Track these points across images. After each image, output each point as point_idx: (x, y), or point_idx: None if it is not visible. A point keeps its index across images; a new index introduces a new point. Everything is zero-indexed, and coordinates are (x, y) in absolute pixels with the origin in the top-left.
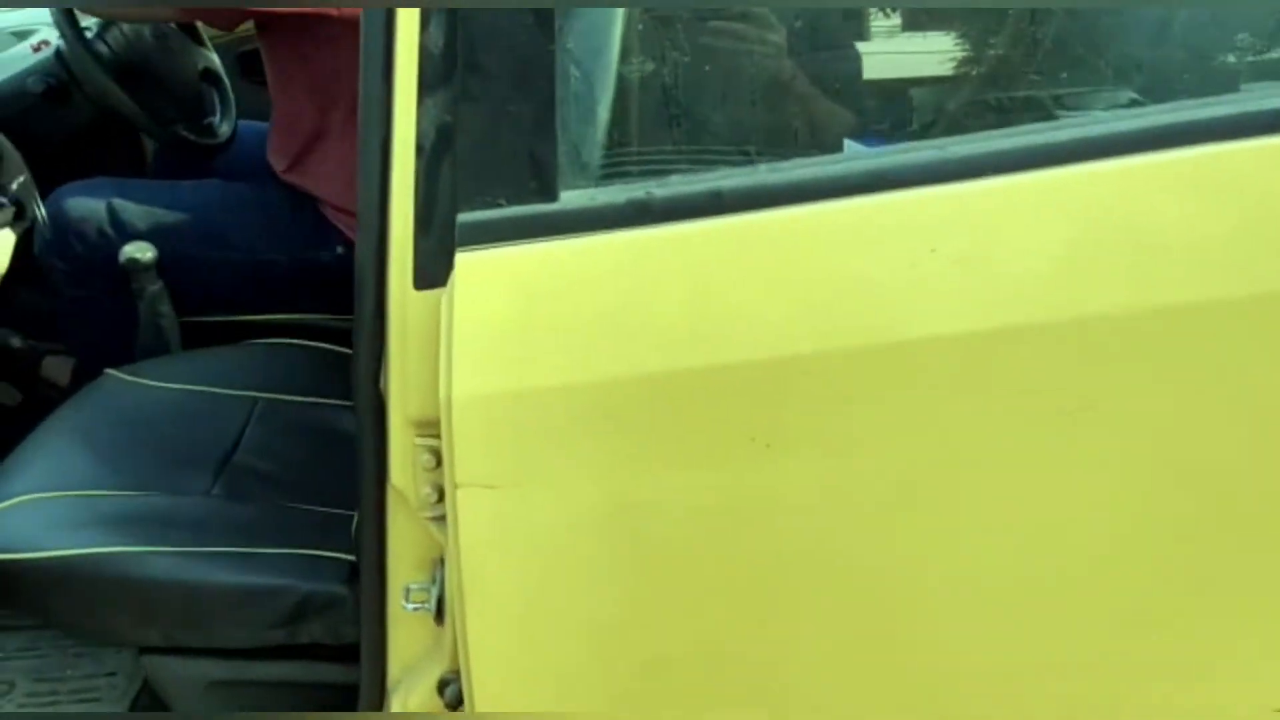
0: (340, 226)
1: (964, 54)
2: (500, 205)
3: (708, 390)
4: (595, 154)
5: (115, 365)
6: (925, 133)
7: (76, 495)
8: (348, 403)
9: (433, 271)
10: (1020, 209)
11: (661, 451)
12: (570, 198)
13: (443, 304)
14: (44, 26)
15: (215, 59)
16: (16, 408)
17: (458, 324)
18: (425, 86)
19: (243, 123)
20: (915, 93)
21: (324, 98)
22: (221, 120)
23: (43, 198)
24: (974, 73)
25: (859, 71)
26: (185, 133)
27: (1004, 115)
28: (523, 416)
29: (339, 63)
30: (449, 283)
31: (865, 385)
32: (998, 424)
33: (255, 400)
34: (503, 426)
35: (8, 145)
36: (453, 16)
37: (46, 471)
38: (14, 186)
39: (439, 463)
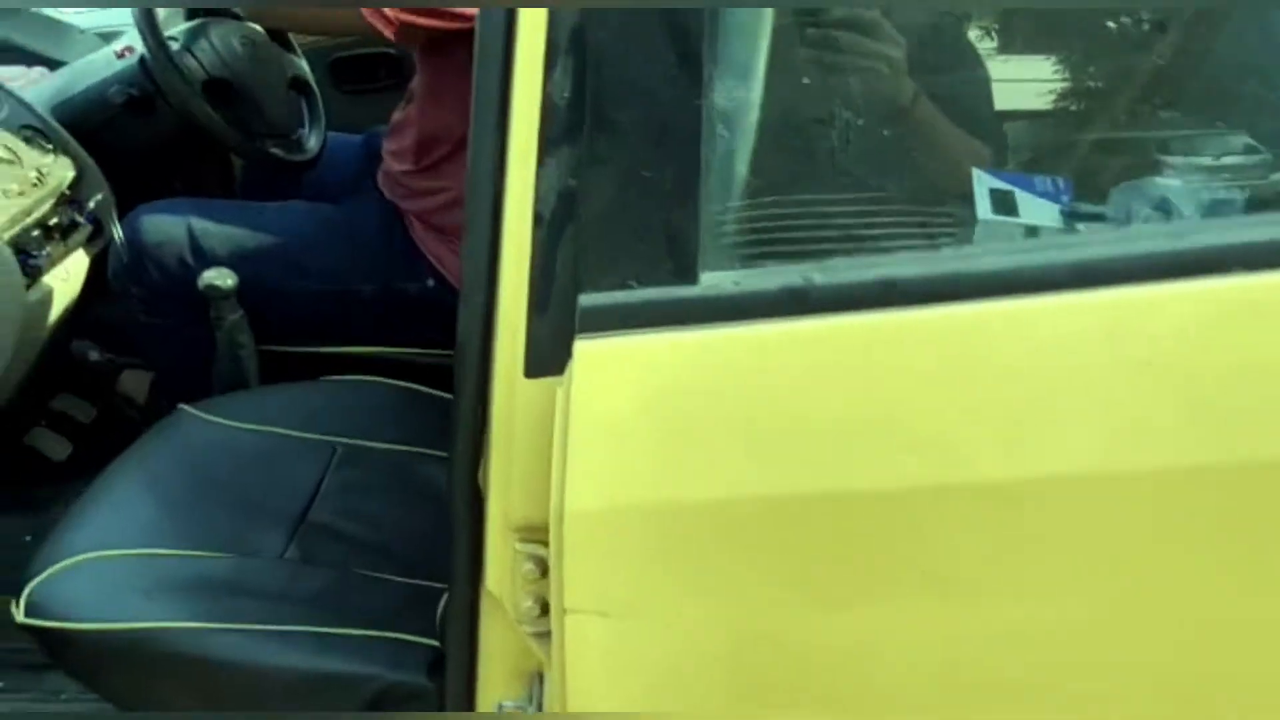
0: (430, 258)
1: (1061, 86)
2: (629, 286)
3: (867, 517)
4: (742, 229)
5: (193, 388)
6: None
7: (140, 555)
8: (435, 451)
9: (547, 358)
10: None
11: (810, 584)
12: (712, 280)
13: (558, 397)
14: (131, 29)
15: (306, 67)
16: (91, 424)
17: (575, 422)
18: (547, 143)
19: (331, 135)
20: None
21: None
22: (310, 133)
23: (119, 213)
24: (1069, 108)
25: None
26: (273, 149)
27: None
28: (646, 535)
29: None
30: (566, 373)
31: (1062, 521)
32: (1214, 573)
33: (334, 447)
34: (621, 546)
35: (88, 161)
36: (581, 61)
37: (111, 526)
38: (91, 204)
39: (544, 573)
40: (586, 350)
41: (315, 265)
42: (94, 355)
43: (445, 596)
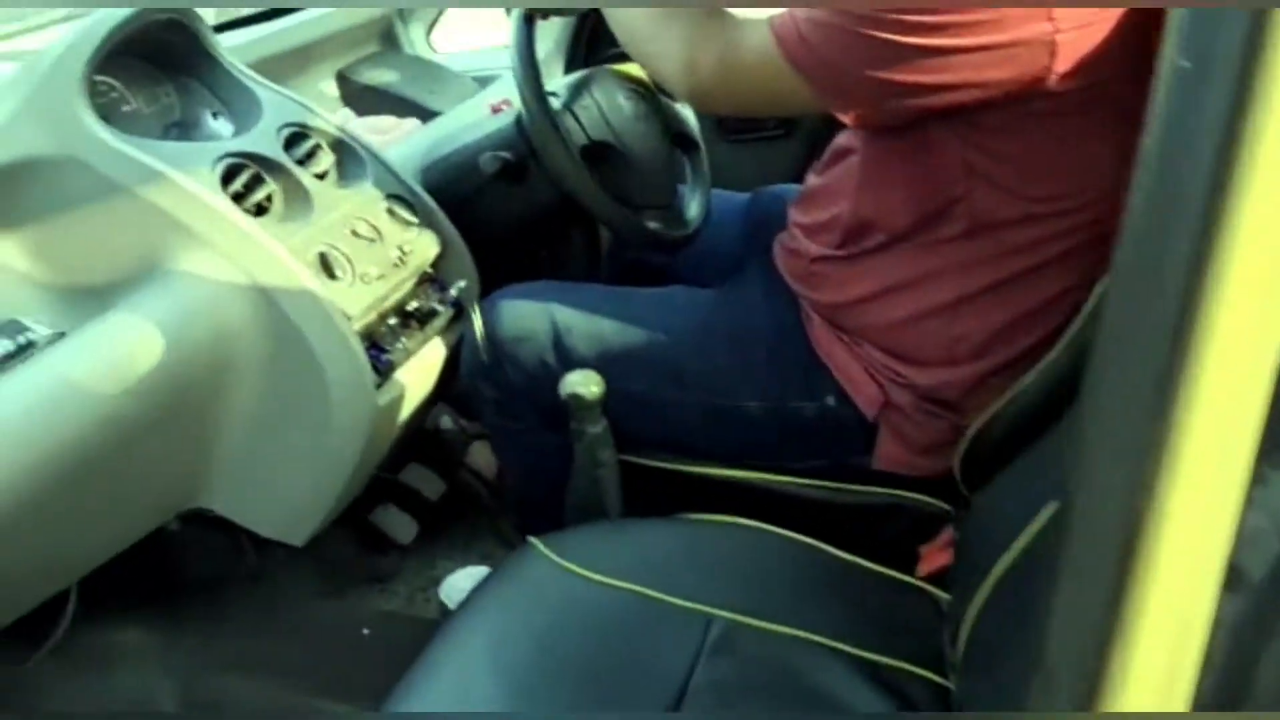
0: (833, 368)
1: None
2: None
3: None
4: None
5: (543, 498)
6: None
7: None
8: (833, 641)
9: None
10: None
11: None
12: None
13: None
14: (506, 72)
15: (693, 120)
16: (438, 500)
17: None
18: None
19: (716, 194)
20: None
21: (940, 195)
22: (691, 200)
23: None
24: None
25: None
26: (651, 224)
27: None
28: None
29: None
30: None
31: None
32: None
33: (709, 621)
34: None
35: (455, 237)
36: None
37: (449, 695)
38: (455, 291)
39: None
40: None
41: (694, 373)
42: (447, 423)
43: None
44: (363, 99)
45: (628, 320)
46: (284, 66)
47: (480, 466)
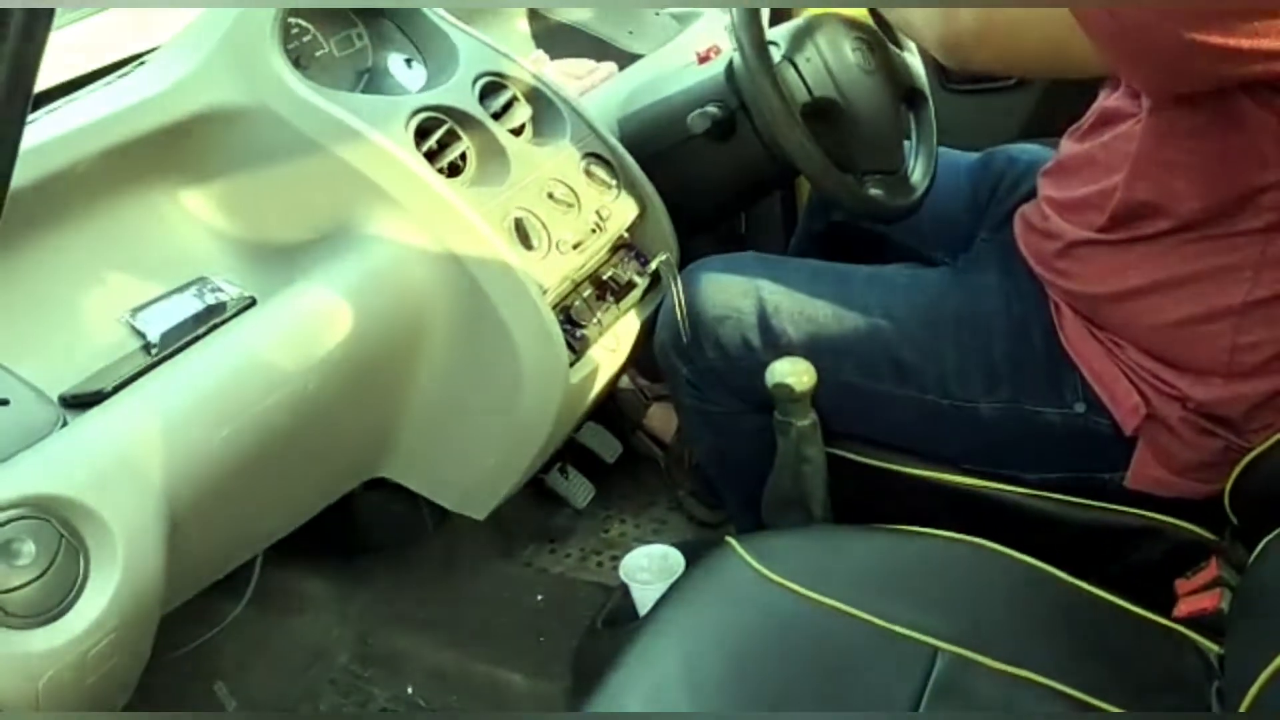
0: (1083, 369)
1: None
2: None
3: None
4: None
5: (737, 484)
6: None
7: None
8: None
9: None
10: None
11: None
12: None
13: None
14: (710, 11)
15: (923, 72)
16: (615, 464)
17: None
18: None
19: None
20: None
21: (1244, 180)
22: (916, 163)
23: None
24: None
25: None
26: (873, 191)
27: None
28: None
29: None
30: None
31: None
32: None
33: (933, 655)
34: None
35: (655, 201)
36: None
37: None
38: (654, 264)
39: None
40: None
41: (916, 365)
42: (625, 384)
43: None
44: (556, 38)
45: (843, 302)
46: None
47: (658, 430)
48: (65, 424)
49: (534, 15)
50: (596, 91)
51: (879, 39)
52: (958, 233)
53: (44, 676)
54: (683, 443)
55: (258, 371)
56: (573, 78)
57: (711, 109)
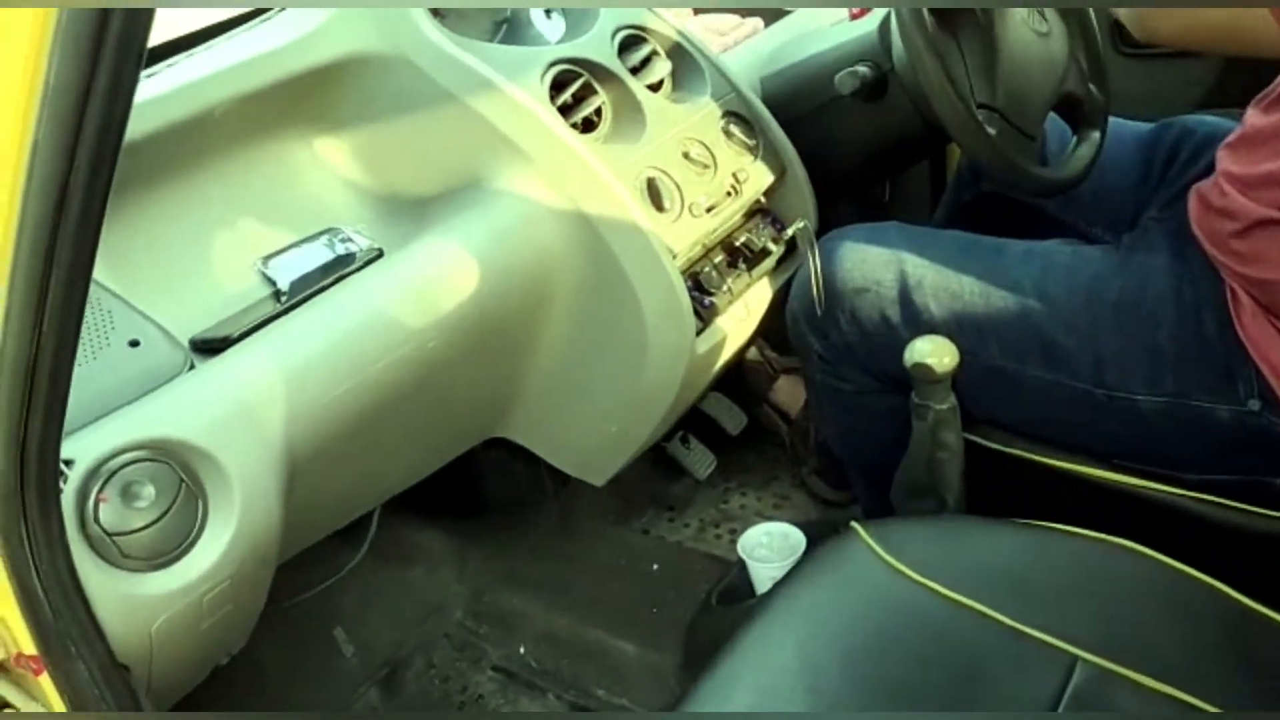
0: (1261, 364)
1: None
2: None
3: None
4: None
5: (867, 464)
6: None
7: None
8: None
9: None
10: None
11: None
12: None
13: None
14: None
15: (1098, 35)
16: (738, 436)
17: None
18: None
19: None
20: None
21: None
22: (1081, 139)
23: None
24: None
25: None
26: (1038, 171)
27: None
28: None
29: None
30: None
31: None
32: None
33: (1074, 662)
34: None
35: (796, 164)
36: None
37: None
38: (791, 230)
39: None
40: None
41: (1070, 350)
42: (753, 354)
43: None
44: None
45: (993, 278)
46: None
47: (783, 403)
48: (193, 367)
49: None
50: (739, 48)
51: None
52: (1123, 209)
53: (158, 620)
54: (809, 418)
55: (381, 327)
56: (716, 33)
57: (861, 68)
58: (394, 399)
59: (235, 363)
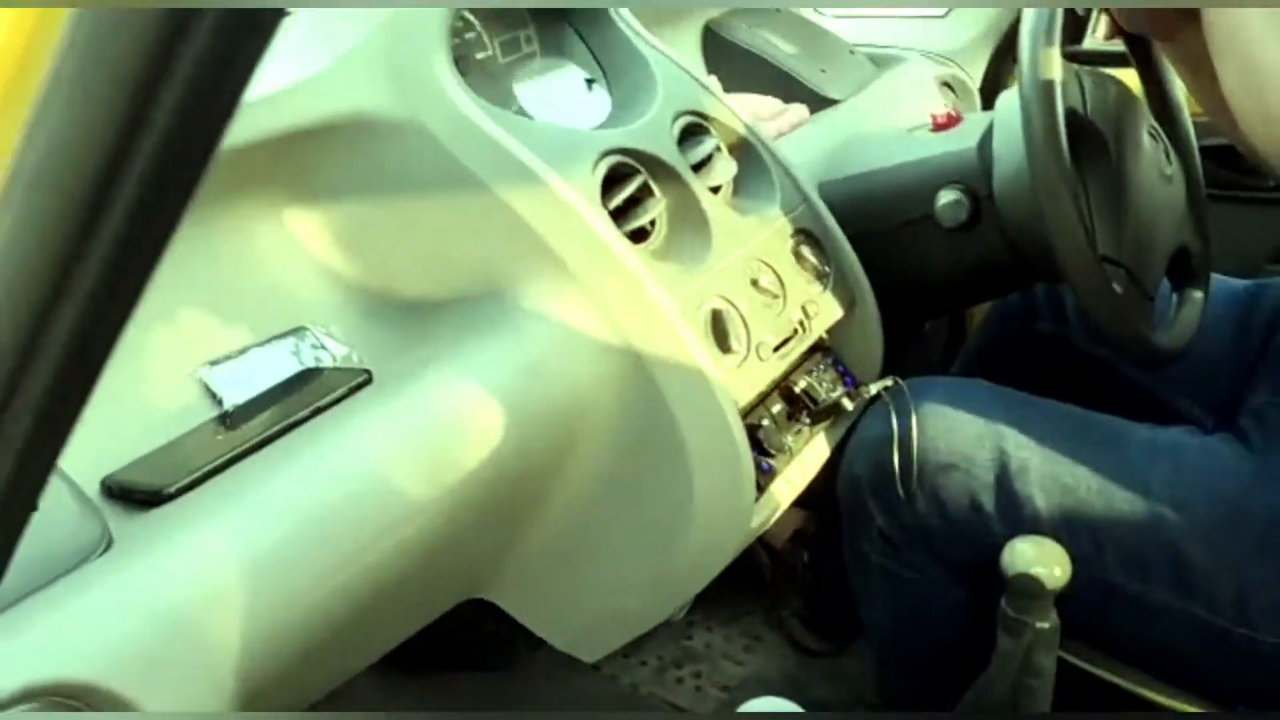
0: None
1: None
2: None
3: None
4: None
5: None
6: None
7: None
8: None
9: None
10: None
11: None
12: None
13: None
14: (909, 54)
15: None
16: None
17: None
18: None
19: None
20: None
21: None
22: (1183, 299)
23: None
24: None
25: None
26: (1154, 337)
27: None
28: None
29: None
30: None
31: None
32: None
33: None
34: None
35: (871, 307)
36: None
37: None
38: (873, 388)
39: None
40: None
41: (1210, 576)
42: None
43: None
44: (732, 65)
45: (1114, 473)
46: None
47: (768, 531)
48: (109, 546)
49: (710, 33)
50: (785, 142)
51: (1184, 132)
52: (1216, 382)
53: None
54: (796, 552)
55: (376, 497)
56: (757, 119)
57: (956, 193)
58: (380, 598)
59: (169, 545)
